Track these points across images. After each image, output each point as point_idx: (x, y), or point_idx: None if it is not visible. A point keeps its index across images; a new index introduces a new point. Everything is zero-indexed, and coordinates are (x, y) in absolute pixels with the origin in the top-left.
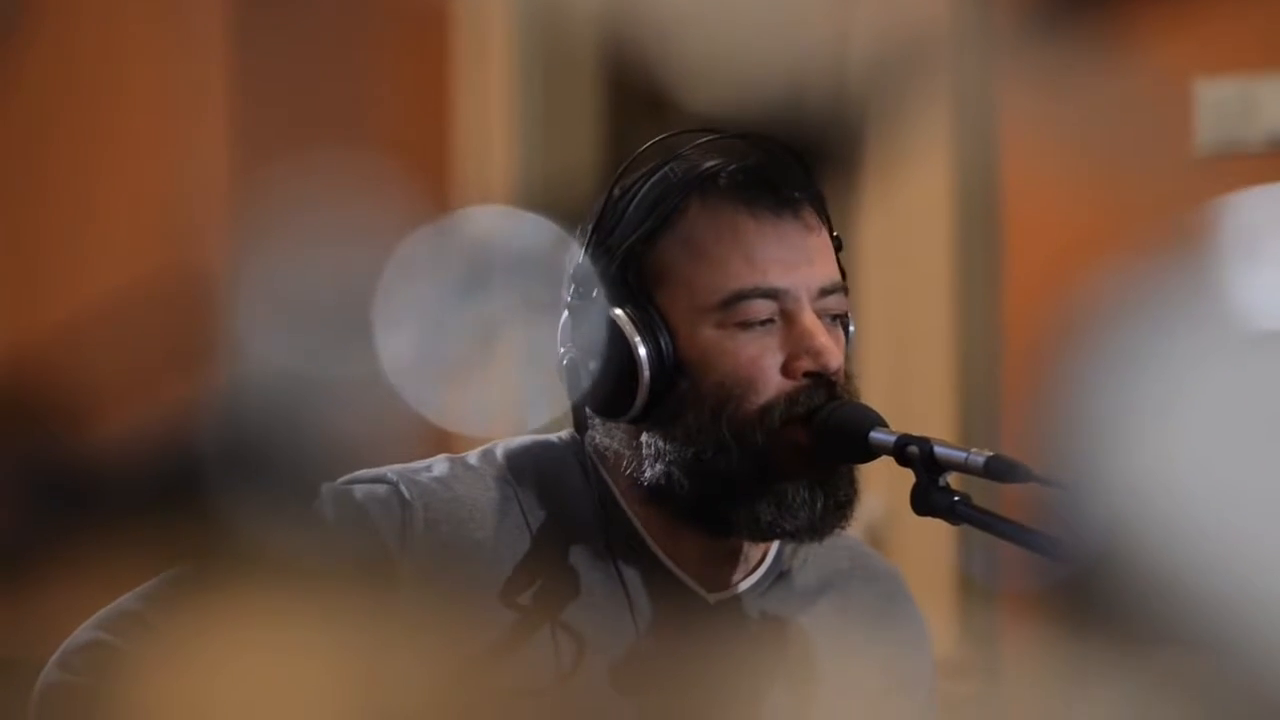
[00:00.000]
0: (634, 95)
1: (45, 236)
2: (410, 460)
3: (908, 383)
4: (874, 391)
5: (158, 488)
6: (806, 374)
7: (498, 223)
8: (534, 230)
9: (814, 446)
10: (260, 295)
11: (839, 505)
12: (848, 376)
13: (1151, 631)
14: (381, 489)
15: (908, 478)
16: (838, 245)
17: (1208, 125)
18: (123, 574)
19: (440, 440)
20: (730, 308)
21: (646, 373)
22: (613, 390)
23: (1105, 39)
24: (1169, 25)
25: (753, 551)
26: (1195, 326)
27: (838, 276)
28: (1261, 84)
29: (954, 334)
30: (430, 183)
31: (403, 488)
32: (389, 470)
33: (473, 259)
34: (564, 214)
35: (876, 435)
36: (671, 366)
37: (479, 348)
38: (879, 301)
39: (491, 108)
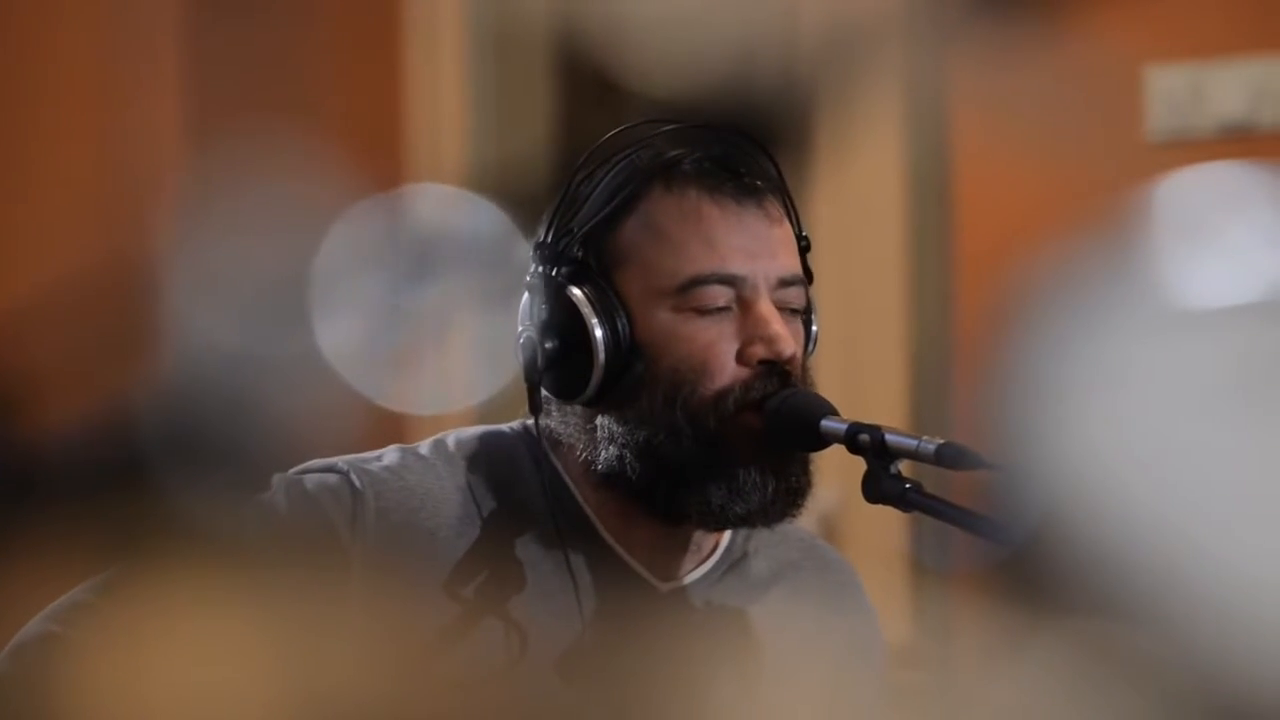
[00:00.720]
0: (585, 79)
1: None
2: (358, 444)
3: (859, 368)
4: (826, 378)
5: (99, 474)
6: (761, 361)
7: (442, 203)
8: (478, 211)
9: (766, 432)
10: (203, 279)
11: (790, 491)
12: (804, 369)
13: (1087, 605)
14: (332, 478)
15: (860, 467)
16: (805, 246)
17: (1158, 112)
18: (66, 562)
19: (386, 423)
20: (687, 292)
21: (602, 354)
22: (568, 371)
23: (1056, 20)
24: (1120, 11)
25: (705, 541)
26: (1133, 305)
27: (798, 269)
28: (1212, 71)
29: (906, 317)
30: (382, 167)
31: (353, 477)
32: (340, 460)
33: (417, 239)
34: (516, 198)
35: (828, 423)
36: (627, 349)
37: (423, 328)
38: (830, 284)
39: (443, 92)
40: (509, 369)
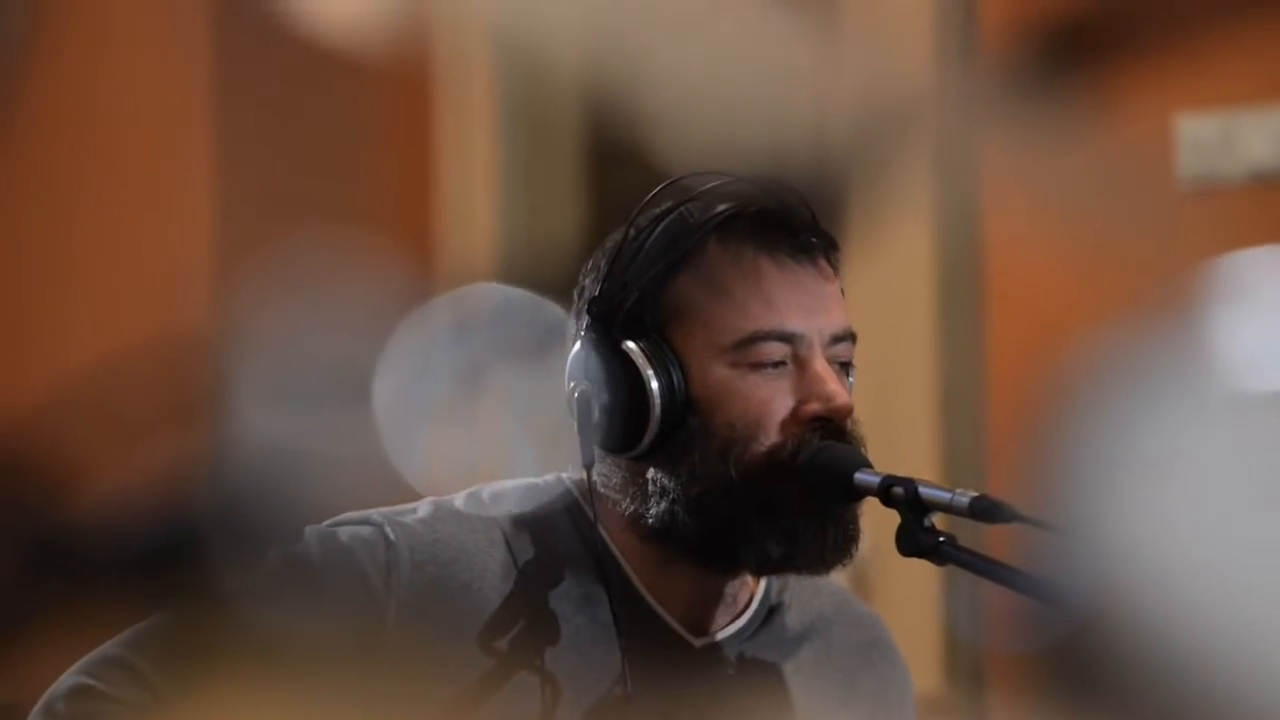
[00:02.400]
0: (617, 160)
1: (27, 303)
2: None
3: (891, 435)
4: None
5: (145, 552)
6: (816, 418)
7: (488, 301)
8: (523, 306)
9: (801, 485)
10: (243, 362)
11: (847, 539)
12: (855, 421)
13: (1144, 697)
14: (366, 530)
15: (892, 518)
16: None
17: (1189, 160)
18: (112, 630)
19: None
20: (745, 348)
21: (658, 407)
22: (622, 424)
23: (1086, 86)
24: (1147, 65)
25: (739, 594)
26: (1185, 383)
27: (849, 324)
28: (1242, 118)
29: (938, 387)
30: (413, 248)
31: (388, 529)
32: (374, 512)
33: (462, 337)
34: (547, 278)
35: (861, 476)
36: (682, 403)
37: (467, 419)
38: (862, 361)
39: (474, 173)
40: (546, 441)
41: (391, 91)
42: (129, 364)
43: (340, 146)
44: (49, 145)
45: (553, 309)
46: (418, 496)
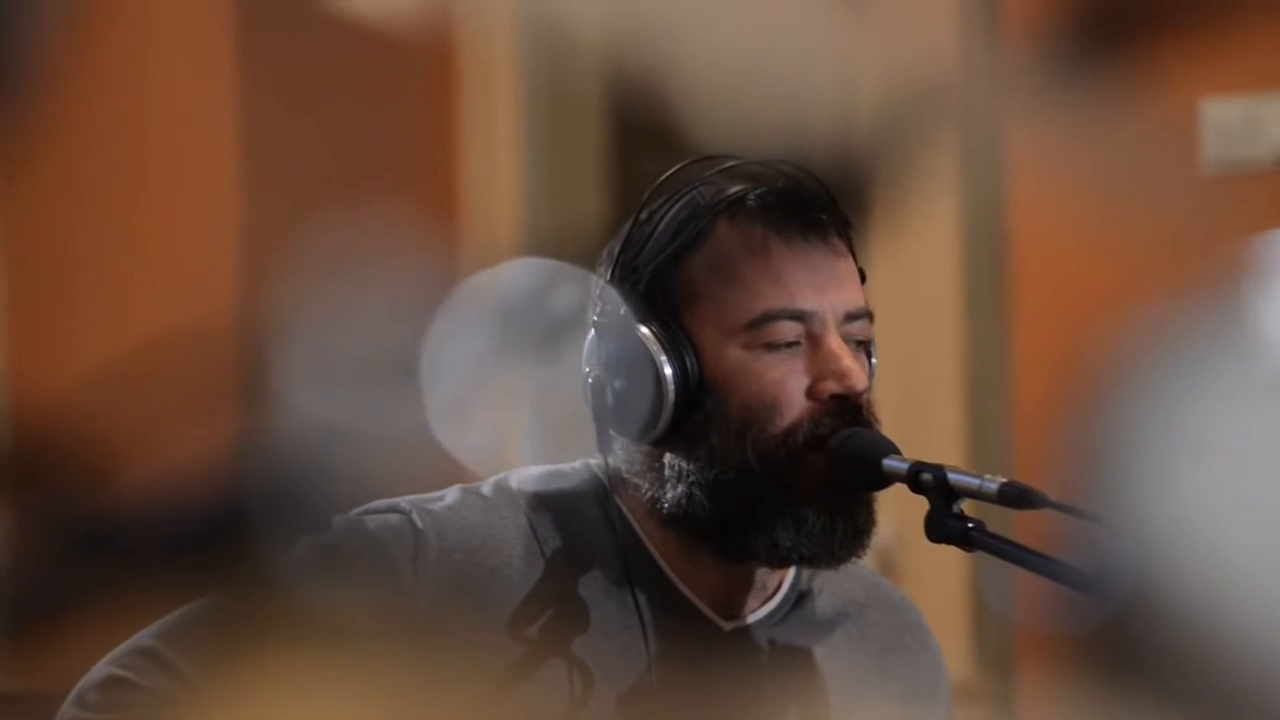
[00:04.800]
0: (641, 136)
1: (72, 287)
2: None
3: (918, 418)
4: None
5: (188, 535)
6: (832, 396)
7: (522, 274)
8: (555, 278)
9: (829, 472)
10: (281, 342)
11: (857, 532)
12: (870, 403)
13: (1185, 683)
14: (394, 518)
15: (920, 504)
16: (862, 277)
17: (1214, 145)
18: (155, 617)
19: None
20: (757, 328)
21: (672, 392)
22: (637, 410)
23: (1110, 70)
24: (1173, 49)
25: (769, 579)
26: (1219, 365)
27: (863, 302)
28: (1267, 103)
29: (966, 370)
30: (440, 225)
31: (415, 517)
32: (402, 500)
33: (498, 310)
34: (571, 256)
35: (889, 462)
36: (697, 386)
37: (503, 395)
38: (888, 345)
39: (498, 150)
40: (572, 434)
41: (416, 70)
42: (168, 347)
43: (366, 125)
44: (84, 131)
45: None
46: (463, 472)
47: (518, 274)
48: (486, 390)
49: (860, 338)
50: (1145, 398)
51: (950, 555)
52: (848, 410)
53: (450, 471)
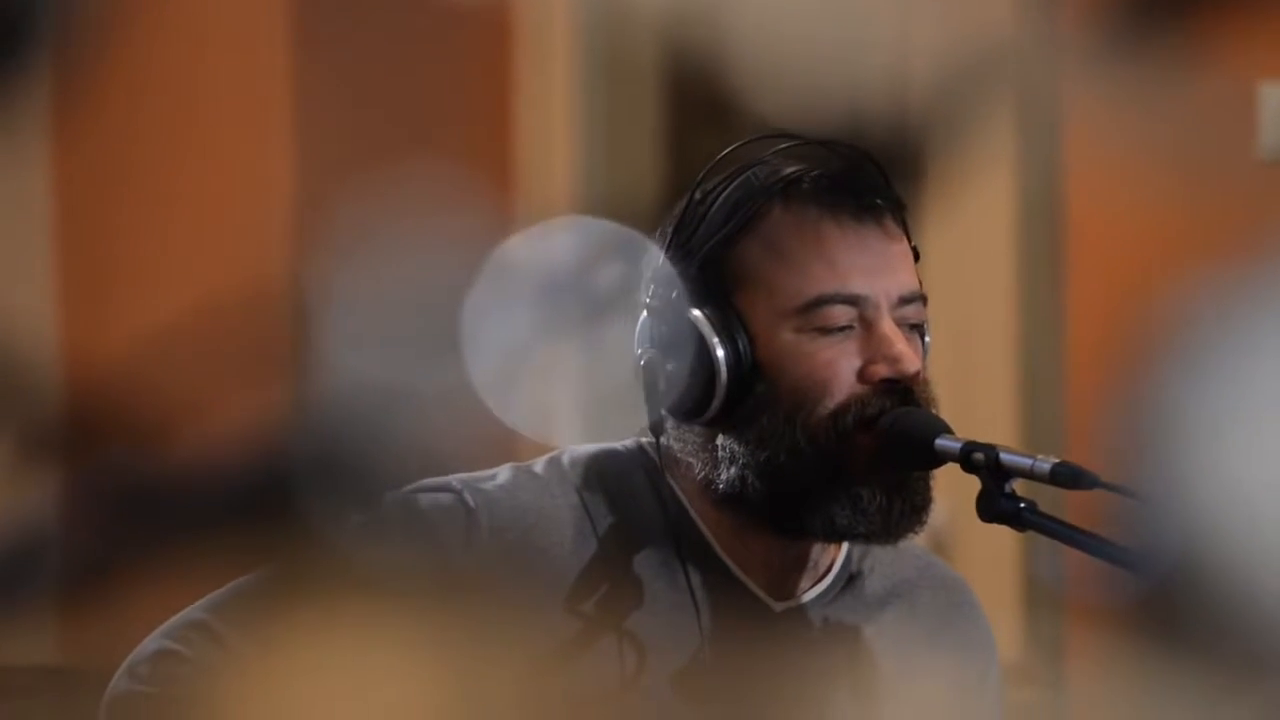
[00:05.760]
0: (696, 105)
1: (123, 252)
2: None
3: (971, 393)
4: (936, 396)
5: (239, 501)
6: (883, 380)
7: (573, 234)
8: (608, 238)
9: (882, 451)
10: (333, 307)
11: (914, 509)
12: (925, 383)
13: (1233, 654)
14: (446, 497)
15: (972, 483)
16: (915, 256)
17: (1272, 129)
18: (205, 586)
19: (527, 450)
20: (810, 312)
21: (724, 374)
22: (690, 392)
23: (1168, 49)
24: (1232, 30)
25: (821, 559)
26: (1268, 338)
27: (917, 286)
28: None
29: (1019, 347)
30: (494, 192)
31: (467, 496)
32: (453, 479)
33: (550, 270)
34: (626, 222)
35: (942, 442)
36: (749, 369)
37: (555, 357)
38: (943, 316)
39: (554, 117)
40: (626, 402)
41: (473, 37)
42: (220, 312)
43: (421, 92)
44: (145, 101)
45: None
46: (509, 436)
47: (562, 237)
48: (530, 354)
49: (914, 321)
50: (1192, 374)
51: (1003, 536)
52: (898, 391)
53: (497, 436)
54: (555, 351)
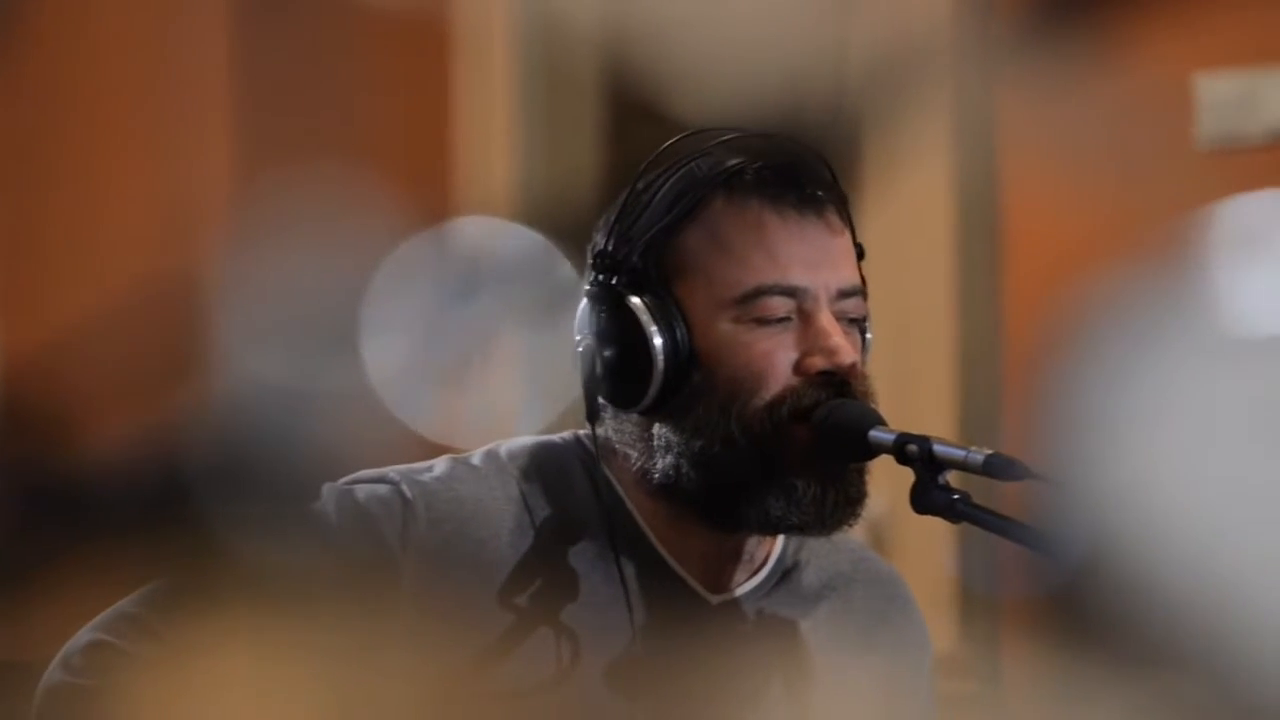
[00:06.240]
0: (634, 104)
1: (41, 248)
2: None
3: (909, 385)
4: (875, 390)
5: (148, 498)
6: (820, 372)
7: (488, 233)
8: (523, 241)
9: (816, 443)
10: (253, 307)
11: (848, 501)
12: (863, 377)
13: (1142, 643)
14: (383, 489)
15: (909, 476)
16: (859, 253)
17: (1208, 120)
18: (117, 581)
19: (428, 453)
20: (749, 303)
21: (660, 363)
22: (627, 379)
23: (1104, 39)
24: (1168, 21)
25: (757, 551)
26: (1189, 330)
27: (857, 280)
28: (1261, 78)
29: (955, 336)
30: (431, 194)
31: (404, 487)
32: (391, 470)
33: (463, 269)
34: (564, 223)
35: (876, 434)
36: (686, 358)
37: (469, 358)
38: (880, 304)
39: (492, 118)
40: (556, 394)
41: (410, 40)
42: (136, 311)
43: (358, 95)
44: (68, 89)
45: (564, 264)
46: (414, 437)
47: (470, 238)
48: (432, 353)
49: (853, 315)
50: (1103, 367)
51: (940, 528)
52: (835, 384)
53: (401, 437)
54: (462, 352)
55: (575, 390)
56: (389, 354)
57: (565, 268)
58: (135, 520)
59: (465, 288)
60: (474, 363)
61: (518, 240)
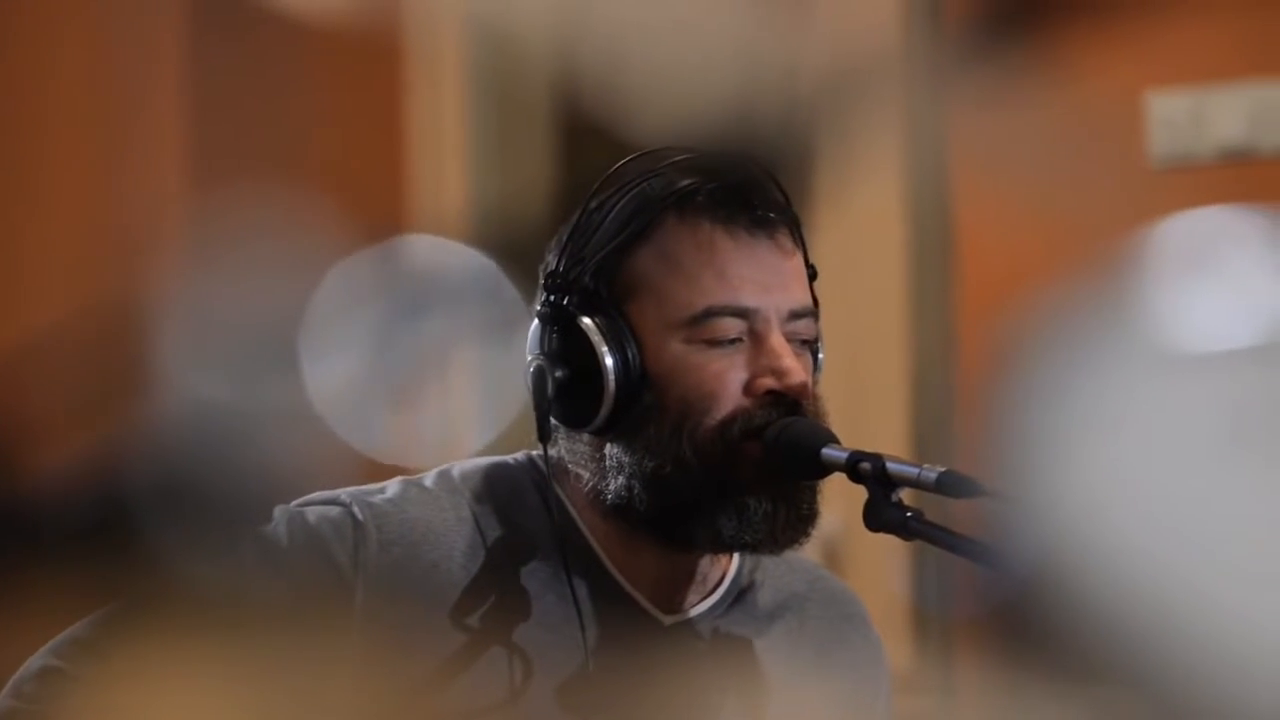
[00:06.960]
0: (585, 124)
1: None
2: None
3: (861, 402)
4: (828, 410)
5: (93, 522)
6: (769, 392)
7: (432, 253)
8: (468, 261)
9: (768, 462)
10: (196, 329)
11: (800, 519)
12: (815, 398)
13: (1085, 660)
14: (334, 511)
15: (862, 494)
16: (812, 274)
17: (1159, 138)
18: (63, 608)
19: (373, 473)
20: (700, 324)
21: (612, 383)
22: (578, 399)
23: (1055, 55)
24: (1120, 39)
25: (711, 573)
26: (1132, 347)
27: (809, 301)
28: (1212, 96)
29: (907, 352)
30: (383, 215)
31: (356, 509)
32: (342, 492)
33: (407, 289)
34: (516, 243)
35: (828, 452)
36: (637, 378)
37: (415, 376)
38: (832, 321)
39: (444, 138)
40: (505, 413)
41: (361, 60)
42: (76, 331)
43: (310, 115)
44: (10, 114)
45: (510, 287)
46: (362, 458)
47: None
48: (373, 372)
49: (804, 336)
50: (1045, 380)
51: (895, 546)
52: (785, 404)
53: (343, 454)
54: (411, 370)
55: (525, 409)
56: (336, 373)
57: (511, 291)
58: (80, 546)
59: (412, 304)
60: (423, 381)
61: (466, 260)
